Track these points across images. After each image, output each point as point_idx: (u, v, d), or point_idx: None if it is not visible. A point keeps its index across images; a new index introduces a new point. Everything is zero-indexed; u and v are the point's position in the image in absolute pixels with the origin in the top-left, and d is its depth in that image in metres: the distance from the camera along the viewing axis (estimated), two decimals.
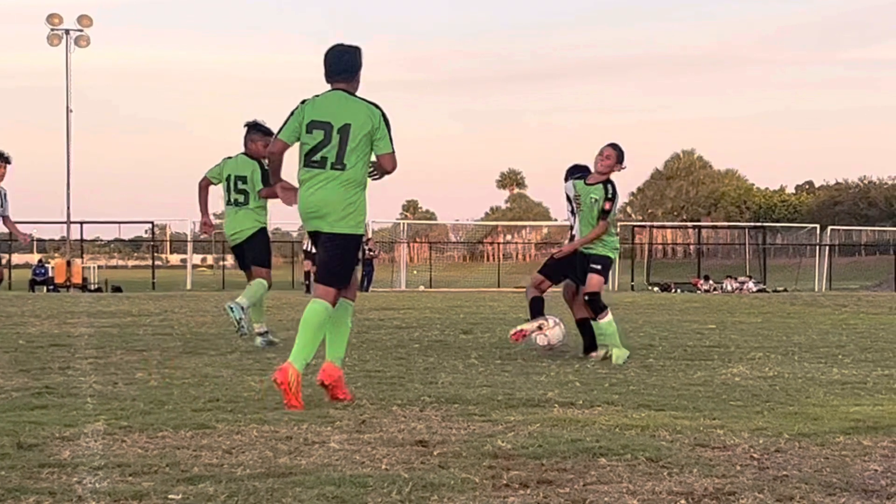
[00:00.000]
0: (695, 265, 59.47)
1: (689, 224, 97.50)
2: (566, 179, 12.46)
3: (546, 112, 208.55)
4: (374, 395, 8.66)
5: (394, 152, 8.61)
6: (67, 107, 46.73)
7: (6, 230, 16.05)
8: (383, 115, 8.60)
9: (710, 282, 47.00)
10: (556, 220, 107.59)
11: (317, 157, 8.53)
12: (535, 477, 5.56)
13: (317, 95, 8.69)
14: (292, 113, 8.65)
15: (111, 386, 9.12)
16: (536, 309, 12.33)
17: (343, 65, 8.71)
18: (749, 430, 7.01)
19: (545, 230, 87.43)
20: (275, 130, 8.90)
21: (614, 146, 11.96)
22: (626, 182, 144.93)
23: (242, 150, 13.38)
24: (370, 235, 48.78)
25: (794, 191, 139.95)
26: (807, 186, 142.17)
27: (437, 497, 5.14)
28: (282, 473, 5.58)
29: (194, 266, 58.28)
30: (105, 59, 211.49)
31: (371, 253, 43.77)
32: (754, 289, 44.73)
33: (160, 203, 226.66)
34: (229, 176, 13.32)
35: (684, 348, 13.25)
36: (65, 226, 47.90)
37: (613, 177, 12.04)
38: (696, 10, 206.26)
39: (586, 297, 11.80)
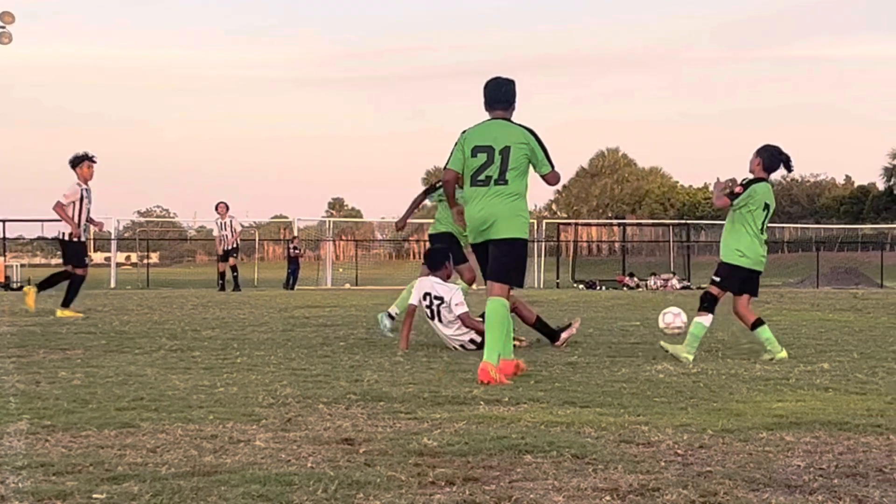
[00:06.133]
0: (620, 262, 59.73)
1: (613, 221, 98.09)
2: None
3: (470, 110, 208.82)
4: (299, 393, 8.63)
5: (553, 168, 10.02)
6: None
7: None
8: (536, 137, 9.95)
9: (635, 279, 47.19)
10: None
11: (482, 176, 9.88)
12: (461, 474, 5.57)
13: (476, 125, 10.06)
14: (456, 144, 10.04)
15: (34, 385, 9.03)
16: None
17: (502, 95, 10.13)
18: (673, 427, 7.07)
19: None
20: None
21: (758, 150, 12.19)
22: None
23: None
24: (295, 233, 48.58)
25: None
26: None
27: (363, 495, 5.13)
28: (207, 472, 5.55)
29: (118, 264, 57.66)
30: (28, 56, 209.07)
31: (296, 251, 43.55)
32: (679, 286, 44.92)
33: None
34: None
35: (609, 345, 13.32)
36: None
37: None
38: (622, 10, 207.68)
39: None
